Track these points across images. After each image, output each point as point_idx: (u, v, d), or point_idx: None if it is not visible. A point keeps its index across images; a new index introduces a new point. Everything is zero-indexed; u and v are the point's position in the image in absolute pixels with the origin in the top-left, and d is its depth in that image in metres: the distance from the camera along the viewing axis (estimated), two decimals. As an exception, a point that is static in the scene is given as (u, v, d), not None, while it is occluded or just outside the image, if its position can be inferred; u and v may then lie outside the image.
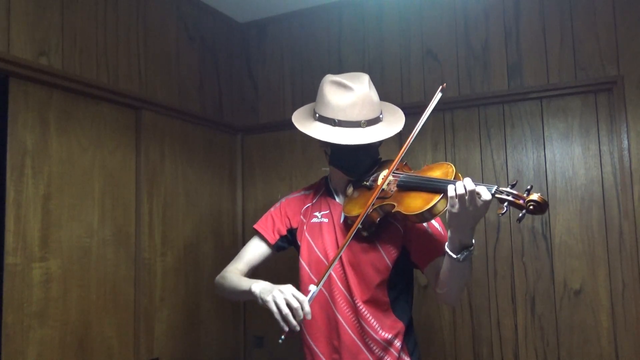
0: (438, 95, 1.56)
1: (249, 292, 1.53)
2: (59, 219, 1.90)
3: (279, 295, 1.41)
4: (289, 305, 1.39)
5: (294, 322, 1.38)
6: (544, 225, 2.27)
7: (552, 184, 2.27)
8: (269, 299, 1.43)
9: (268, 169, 2.87)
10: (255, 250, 1.82)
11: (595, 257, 2.18)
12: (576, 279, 2.20)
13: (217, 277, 1.76)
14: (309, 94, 2.77)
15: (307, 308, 1.39)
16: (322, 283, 1.48)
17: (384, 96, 2.55)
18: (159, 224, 2.33)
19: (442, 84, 1.60)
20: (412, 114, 2.52)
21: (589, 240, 2.20)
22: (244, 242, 2.86)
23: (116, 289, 2.11)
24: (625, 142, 2.13)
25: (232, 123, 2.85)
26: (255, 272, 1.83)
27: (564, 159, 2.26)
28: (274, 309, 1.41)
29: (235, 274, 1.72)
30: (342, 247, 1.52)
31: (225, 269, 1.78)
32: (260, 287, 1.51)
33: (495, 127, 2.39)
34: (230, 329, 2.76)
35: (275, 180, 2.84)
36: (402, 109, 2.64)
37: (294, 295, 1.40)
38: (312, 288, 1.45)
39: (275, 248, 1.83)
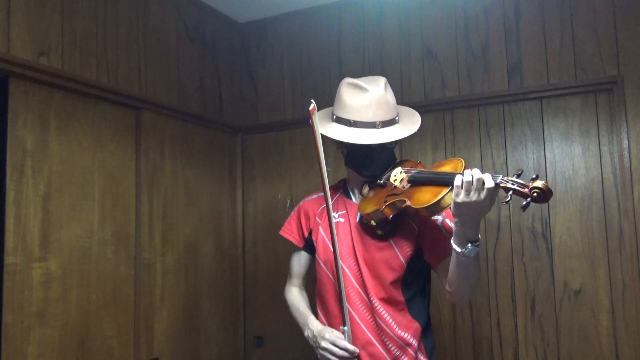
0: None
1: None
2: (59, 219, 1.90)
3: (325, 350, 1.64)
4: (335, 354, 1.62)
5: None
6: (544, 225, 2.27)
7: (552, 184, 2.27)
8: (319, 352, 1.66)
9: (268, 169, 2.87)
10: (298, 262, 1.90)
11: (595, 257, 2.18)
12: (576, 279, 2.20)
13: (285, 292, 1.93)
14: (309, 94, 2.77)
15: (350, 347, 1.60)
16: (348, 322, 1.62)
17: (384, 96, 2.56)
18: (159, 224, 2.33)
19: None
20: (412, 114, 2.54)
21: (589, 240, 2.20)
22: (244, 242, 2.88)
23: (116, 289, 2.11)
24: (625, 142, 2.13)
25: (232, 123, 2.85)
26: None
27: (564, 159, 2.26)
28: (332, 358, 1.63)
29: (293, 295, 1.89)
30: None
31: (286, 286, 1.94)
32: (309, 335, 1.73)
33: (495, 127, 2.39)
34: (230, 329, 2.76)
35: (275, 180, 2.84)
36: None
37: (336, 345, 1.61)
38: (345, 329, 1.62)
39: (308, 250, 1.88)
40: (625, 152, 2.13)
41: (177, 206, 2.44)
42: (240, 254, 2.87)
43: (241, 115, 2.93)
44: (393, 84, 2.57)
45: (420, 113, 2.54)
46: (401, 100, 2.54)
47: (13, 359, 1.71)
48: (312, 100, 1.51)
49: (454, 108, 2.46)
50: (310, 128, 1.52)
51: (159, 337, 2.28)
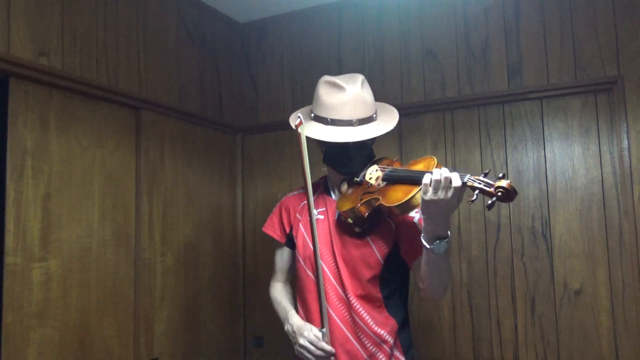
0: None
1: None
2: (59, 219, 1.90)
3: (303, 348, 1.65)
4: (312, 353, 1.64)
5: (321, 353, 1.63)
6: (544, 225, 2.27)
7: (552, 184, 2.27)
8: (297, 348, 1.67)
9: (268, 168, 2.87)
10: (281, 258, 1.93)
11: (595, 257, 2.18)
12: (576, 279, 2.20)
13: (269, 288, 1.95)
14: (308, 94, 2.76)
15: (327, 348, 1.61)
16: (326, 323, 1.63)
17: (384, 96, 2.56)
18: (159, 224, 2.33)
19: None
20: (412, 113, 2.54)
21: (589, 240, 2.20)
22: (244, 242, 2.88)
23: (116, 289, 2.11)
24: (625, 142, 2.13)
25: (232, 123, 2.85)
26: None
27: (564, 159, 2.26)
28: (308, 356, 1.65)
29: (276, 290, 1.92)
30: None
31: (271, 282, 1.96)
32: (288, 329, 1.75)
33: (495, 127, 2.39)
34: (230, 329, 2.76)
35: (275, 180, 2.84)
36: (402, 109, 2.64)
37: (313, 345, 1.63)
38: (323, 330, 1.63)
39: (290, 245, 1.89)
40: (625, 152, 2.13)
41: (177, 206, 2.44)
42: (240, 254, 2.87)
43: (241, 115, 2.93)
44: (393, 84, 2.59)
45: (420, 113, 2.54)
46: (401, 100, 2.54)
47: (13, 359, 1.71)
48: (300, 116, 1.57)
49: (454, 108, 2.46)
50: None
51: (159, 337, 2.28)
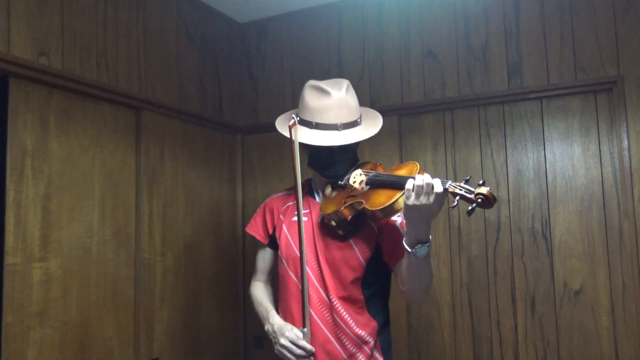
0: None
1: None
2: (59, 219, 1.90)
3: (284, 348, 1.68)
4: (293, 352, 1.66)
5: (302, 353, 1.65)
6: (544, 225, 2.27)
7: (552, 184, 2.27)
8: (277, 347, 1.70)
9: (268, 168, 2.87)
10: (263, 258, 1.95)
11: (595, 257, 2.18)
12: (576, 279, 2.20)
13: (250, 287, 1.97)
14: (309, 94, 2.77)
15: (308, 347, 1.63)
16: (308, 323, 1.64)
17: (384, 96, 2.57)
18: (159, 224, 2.33)
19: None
20: (412, 114, 2.54)
21: (589, 240, 2.20)
22: (243, 242, 2.88)
23: (116, 289, 2.11)
24: (625, 142, 2.13)
25: (232, 123, 2.85)
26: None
27: (564, 159, 2.26)
28: (289, 356, 1.67)
29: (257, 290, 1.93)
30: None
31: (252, 282, 1.98)
32: (269, 329, 1.77)
33: (495, 127, 2.39)
34: (230, 329, 2.76)
35: (275, 180, 2.84)
36: (402, 109, 2.65)
37: (295, 344, 1.65)
38: (305, 330, 1.65)
39: (273, 246, 1.91)
40: (625, 152, 2.13)
41: (177, 206, 2.44)
42: (240, 254, 2.87)
43: (241, 115, 2.93)
44: (393, 84, 2.59)
45: (420, 113, 2.54)
46: (401, 100, 2.54)
47: (13, 359, 1.71)
48: (294, 116, 1.61)
49: (454, 108, 2.46)
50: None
51: (159, 337, 2.28)
